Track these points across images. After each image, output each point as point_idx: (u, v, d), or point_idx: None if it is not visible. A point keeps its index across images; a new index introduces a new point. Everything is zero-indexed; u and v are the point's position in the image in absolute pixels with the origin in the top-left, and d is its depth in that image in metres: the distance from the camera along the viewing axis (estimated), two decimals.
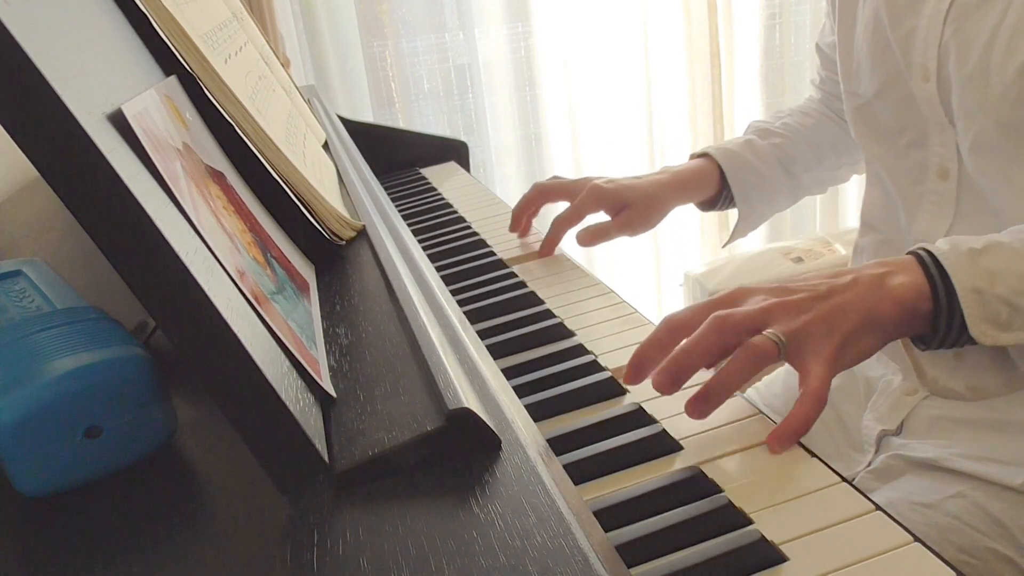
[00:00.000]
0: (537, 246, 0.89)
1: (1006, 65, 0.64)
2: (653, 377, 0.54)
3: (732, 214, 0.98)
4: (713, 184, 0.95)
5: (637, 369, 0.56)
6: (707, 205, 0.98)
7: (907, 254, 0.58)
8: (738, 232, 1.00)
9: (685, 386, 0.54)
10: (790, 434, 0.50)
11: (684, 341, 0.54)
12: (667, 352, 0.55)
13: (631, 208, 0.90)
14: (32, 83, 0.33)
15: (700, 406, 0.52)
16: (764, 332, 0.52)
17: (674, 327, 0.56)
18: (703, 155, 0.96)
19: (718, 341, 0.53)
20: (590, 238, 0.91)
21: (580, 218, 0.89)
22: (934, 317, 0.55)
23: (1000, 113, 0.65)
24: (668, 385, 0.53)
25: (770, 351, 0.52)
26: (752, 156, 0.95)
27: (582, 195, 0.89)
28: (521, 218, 0.92)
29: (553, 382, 0.60)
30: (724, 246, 1.08)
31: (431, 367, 0.44)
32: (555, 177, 0.97)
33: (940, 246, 0.57)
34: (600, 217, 0.92)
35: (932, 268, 0.56)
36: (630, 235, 0.92)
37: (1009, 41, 0.64)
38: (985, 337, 0.54)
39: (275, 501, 0.38)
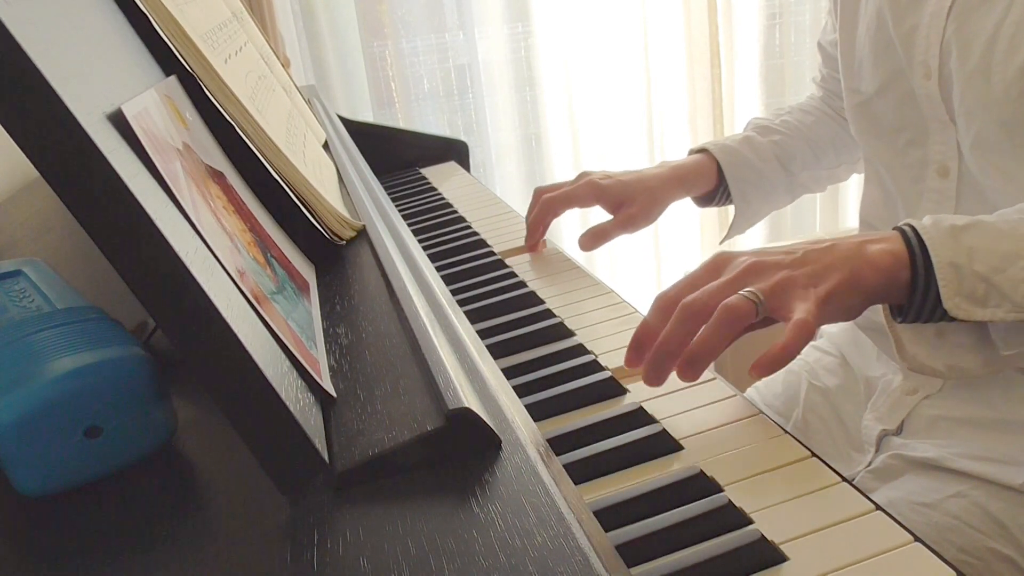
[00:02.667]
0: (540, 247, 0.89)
1: (1008, 63, 0.64)
2: (642, 375, 0.56)
3: (733, 214, 0.98)
4: (710, 179, 0.94)
5: (635, 353, 0.57)
6: (704, 201, 0.98)
7: (892, 229, 0.59)
8: (735, 228, 1.00)
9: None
10: (773, 362, 0.51)
11: (660, 336, 0.55)
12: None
13: (633, 204, 0.89)
14: (32, 83, 0.33)
15: (686, 371, 0.54)
16: (739, 292, 0.53)
17: (666, 306, 0.57)
18: (701, 150, 0.96)
19: (686, 332, 0.54)
20: (592, 241, 0.90)
21: (569, 206, 0.89)
22: (911, 286, 0.56)
23: (1001, 111, 0.65)
24: (654, 379, 0.55)
25: (744, 308, 0.53)
26: (750, 153, 0.95)
27: (579, 185, 0.89)
28: (536, 232, 0.90)
29: (553, 382, 0.60)
30: (721, 242, 1.08)
31: (431, 367, 0.44)
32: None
33: (924, 221, 0.57)
34: (598, 213, 0.91)
35: (913, 240, 0.57)
36: (631, 232, 0.91)
37: (1011, 39, 0.64)
38: (959, 311, 0.55)
39: (275, 501, 0.38)
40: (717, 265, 0.58)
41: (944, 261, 0.55)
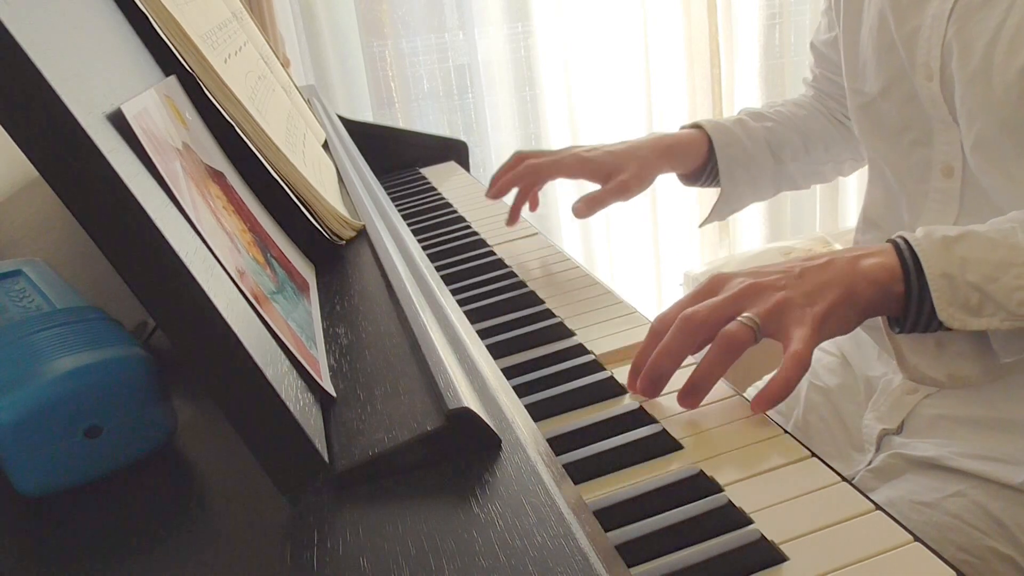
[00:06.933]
0: (531, 241, 0.89)
1: (1008, 64, 0.64)
2: (638, 386, 0.56)
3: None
4: (700, 155, 0.94)
5: (636, 376, 0.57)
6: (690, 179, 0.97)
7: (886, 241, 0.59)
8: (716, 212, 0.99)
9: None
10: (771, 398, 0.52)
11: (658, 346, 0.55)
12: None
13: (623, 172, 0.88)
14: (32, 83, 0.33)
15: (688, 399, 0.55)
16: (737, 318, 0.54)
17: (662, 329, 0.57)
18: (694, 126, 0.95)
19: (687, 342, 0.55)
20: (587, 207, 0.87)
21: (554, 175, 0.88)
22: (906, 298, 0.57)
23: (1002, 112, 0.65)
24: (649, 390, 0.56)
25: (743, 336, 0.53)
26: (742, 134, 0.95)
27: (564, 156, 0.88)
28: (499, 181, 0.88)
29: (553, 382, 0.60)
30: (700, 225, 1.07)
31: (431, 367, 0.44)
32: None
33: (916, 233, 0.58)
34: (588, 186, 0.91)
35: (906, 253, 0.57)
36: (625, 199, 0.89)
37: (1012, 41, 0.64)
38: (954, 321, 0.55)
39: (275, 501, 0.38)
40: (713, 286, 0.58)
41: (936, 272, 0.55)
